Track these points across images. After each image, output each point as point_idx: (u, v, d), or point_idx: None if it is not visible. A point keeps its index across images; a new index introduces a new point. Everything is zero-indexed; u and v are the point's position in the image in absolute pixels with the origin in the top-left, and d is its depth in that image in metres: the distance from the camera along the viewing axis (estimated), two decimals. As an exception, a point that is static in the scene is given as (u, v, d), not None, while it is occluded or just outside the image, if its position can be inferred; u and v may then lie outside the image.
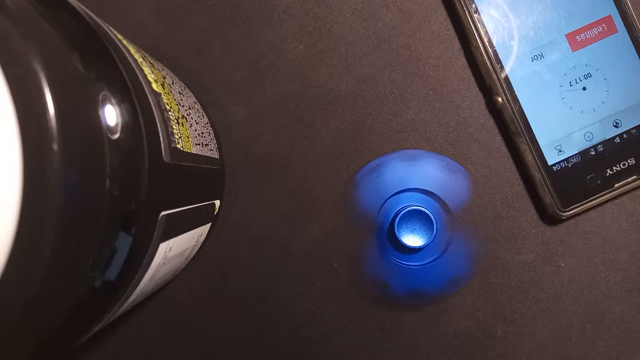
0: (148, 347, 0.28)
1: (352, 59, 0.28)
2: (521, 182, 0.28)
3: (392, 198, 0.25)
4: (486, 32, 0.26)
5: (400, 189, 0.25)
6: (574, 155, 0.26)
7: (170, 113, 0.18)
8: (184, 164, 0.19)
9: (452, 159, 0.26)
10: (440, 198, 0.25)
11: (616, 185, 0.26)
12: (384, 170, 0.26)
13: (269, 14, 0.28)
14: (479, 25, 0.26)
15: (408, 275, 0.26)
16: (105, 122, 0.13)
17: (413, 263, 0.26)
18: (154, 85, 0.18)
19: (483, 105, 0.28)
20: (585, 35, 0.26)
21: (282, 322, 0.28)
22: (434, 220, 0.23)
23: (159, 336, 0.28)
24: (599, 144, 0.26)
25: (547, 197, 0.26)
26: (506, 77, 0.26)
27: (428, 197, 0.25)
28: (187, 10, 0.28)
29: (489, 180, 0.28)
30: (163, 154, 0.16)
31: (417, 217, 0.23)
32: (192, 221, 0.21)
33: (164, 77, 0.20)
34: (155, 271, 0.18)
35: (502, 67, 0.26)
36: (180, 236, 0.20)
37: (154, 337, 0.28)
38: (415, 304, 0.28)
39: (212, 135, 0.25)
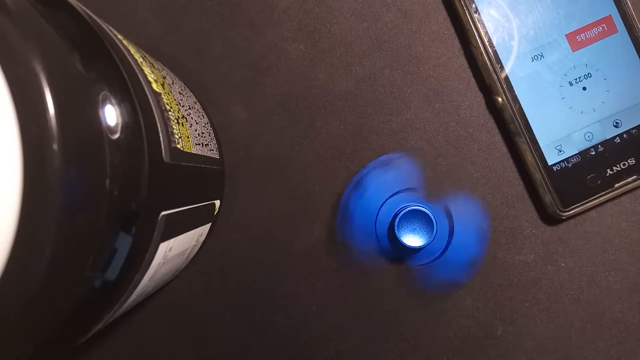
0: (148, 347, 0.28)
1: (352, 59, 0.28)
2: (521, 182, 0.28)
3: (392, 198, 0.25)
4: (486, 32, 0.26)
5: (400, 189, 0.25)
6: (574, 155, 0.26)
7: (170, 113, 0.18)
8: (184, 164, 0.19)
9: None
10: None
11: (616, 185, 0.26)
12: (384, 169, 0.26)
13: (269, 14, 0.28)
14: (479, 25, 0.26)
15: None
16: (105, 122, 0.13)
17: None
18: (154, 85, 0.18)
19: (483, 105, 0.28)
20: (585, 35, 0.26)
21: (282, 322, 0.28)
22: (434, 220, 0.23)
23: (159, 336, 0.28)
24: (599, 144, 0.26)
25: (547, 197, 0.26)
26: (506, 77, 0.26)
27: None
28: (187, 10, 0.28)
29: (489, 180, 0.28)
30: (163, 154, 0.16)
31: (417, 217, 0.23)
32: (192, 221, 0.21)
33: (164, 77, 0.20)
34: (155, 271, 0.18)
35: (502, 67, 0.26)
36: (180, 236, 0.20)
37: (154, 337, 0.28)
38: (415, 304, 0.28)
39: (212, 135, 0.25)
